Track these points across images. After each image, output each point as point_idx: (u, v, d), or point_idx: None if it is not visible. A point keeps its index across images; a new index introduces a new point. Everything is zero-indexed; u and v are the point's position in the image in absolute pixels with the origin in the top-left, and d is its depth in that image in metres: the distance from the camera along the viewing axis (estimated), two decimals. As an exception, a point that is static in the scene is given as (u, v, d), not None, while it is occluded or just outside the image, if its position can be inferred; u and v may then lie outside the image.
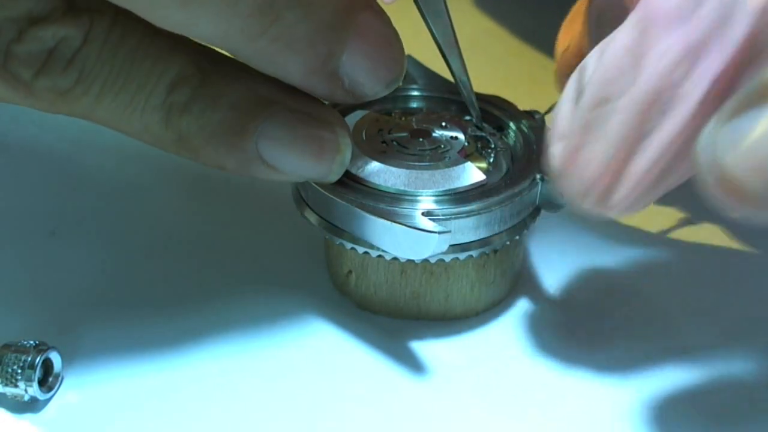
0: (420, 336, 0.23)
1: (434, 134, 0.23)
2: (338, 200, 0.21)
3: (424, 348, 0.22)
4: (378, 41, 0.20)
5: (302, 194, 0.23)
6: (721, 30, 0.17)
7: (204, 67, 0.20)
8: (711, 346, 0.22)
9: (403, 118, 0.24)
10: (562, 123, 0.18)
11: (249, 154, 0.20)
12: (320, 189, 0.22)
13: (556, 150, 0.18)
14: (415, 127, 0.24)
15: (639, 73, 0.17)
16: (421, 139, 0.23)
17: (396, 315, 0.23)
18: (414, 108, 0.25)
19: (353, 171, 0.22)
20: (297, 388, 0.21)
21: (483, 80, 0.25)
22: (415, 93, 0.25)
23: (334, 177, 0.21)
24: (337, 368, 0.22)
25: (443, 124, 0.24)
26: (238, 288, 0.24)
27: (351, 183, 0.22)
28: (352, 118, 0.24)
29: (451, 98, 0.25)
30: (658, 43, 0.17)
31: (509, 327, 0.23)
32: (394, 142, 0.23)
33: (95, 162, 0.30)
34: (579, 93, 0.18)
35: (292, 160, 0.21)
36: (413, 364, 0.22)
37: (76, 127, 0.32)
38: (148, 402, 0.21)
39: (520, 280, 0.24)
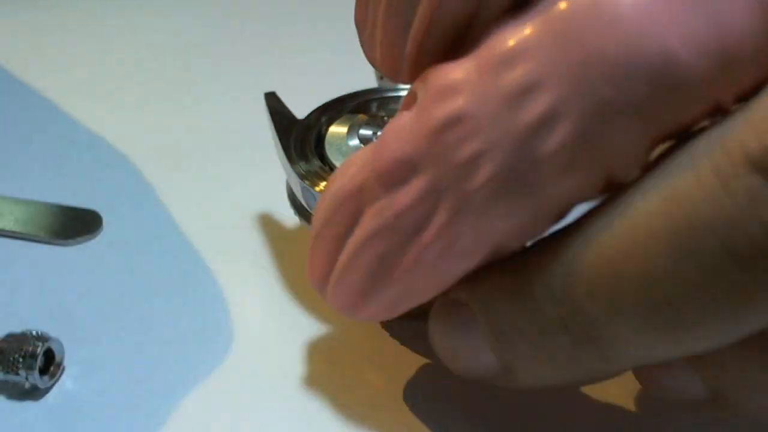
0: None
1: None
2: None
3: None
4: None
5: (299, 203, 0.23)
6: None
7: None
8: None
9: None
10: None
11: None
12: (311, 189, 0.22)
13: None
14: None
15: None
16: None
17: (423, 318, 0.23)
18: None
19: (334, 158, 0.23)
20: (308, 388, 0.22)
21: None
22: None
23: None
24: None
25: None
26: (240, 283, 0.25)
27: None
28: (349, 120, 0.24)
29: None
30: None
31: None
32: None
33: (95, 161, 0.30)
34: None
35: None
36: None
37: (77, 126, 0.32)
38: (148, 392, 0.21)
39: None
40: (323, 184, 0.22)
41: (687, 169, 0.14)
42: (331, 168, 0.23)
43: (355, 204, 0.17)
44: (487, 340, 0.17)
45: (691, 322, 0.14)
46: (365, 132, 0.24)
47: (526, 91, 0.15)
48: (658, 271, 0.14)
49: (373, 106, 0.25)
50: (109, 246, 0.26)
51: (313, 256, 0.18)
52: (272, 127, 0.24)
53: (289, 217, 0.22)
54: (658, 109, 0.14)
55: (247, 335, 0.23)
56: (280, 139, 0.24)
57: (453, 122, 0.15)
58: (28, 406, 0.21)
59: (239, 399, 0.21)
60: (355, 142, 0.23)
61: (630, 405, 0.21)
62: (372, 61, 0.18)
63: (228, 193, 0.29)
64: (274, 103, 0.25)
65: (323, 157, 0.23)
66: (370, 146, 0.17)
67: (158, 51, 0.39)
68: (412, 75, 0.17)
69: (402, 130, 0.16)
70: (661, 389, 0.18)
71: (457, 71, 0.16)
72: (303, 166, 0.23)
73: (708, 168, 0.14)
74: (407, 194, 0.16)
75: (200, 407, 0.21)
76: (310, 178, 0.22)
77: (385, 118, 0.24)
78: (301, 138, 0.24)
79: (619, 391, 0.21)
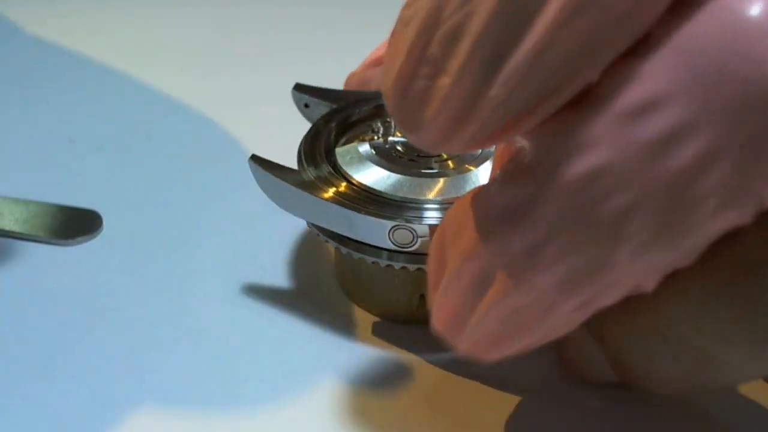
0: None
1: None
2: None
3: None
4: None
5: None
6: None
7: None
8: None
9: None
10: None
11: None
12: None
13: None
14: None
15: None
16: None
17: None
18: None
19: (358, 178, 0.22)
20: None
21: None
22: None
23: None
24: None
25: None
26: (243, 291, 0.24)
27: (373, 195, 0.22)
28: (359, 125, 0.24)
29: None
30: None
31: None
32: (398, 146, 0.23)
33: (96, 161, 0.30)
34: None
35: None
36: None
37: (77, 126, 0.32)
38: (145, 402, 0.21)
39: None
40: (332, 190, 0.22)
41: None
42: (342, 175, 0.22)
43: (486, 266, 0.16)
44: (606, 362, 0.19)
45: None
46: (376, 139, 0.24)
47: (673, 137, 0.14)
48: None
49: (381, 108, 0.25)
50: (109, 246, 0.26)
51: (442, 305, 0.17)
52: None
53: (290, 217, 0.22)
54: None
55: (248, 334, 0.23)
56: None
57: (594, 176, 0.14)
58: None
59: (242, 396, 0.21)
60: (365, 148, 0.23)
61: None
62: (414, 123, 0.15)
63: (230, 194, 0.28)
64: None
65: (334, 164, 0.23)
66: (467, 199, 0.16)
67: (162, 50, 0.39)
68: (486, 135, 0.15)
69: (521, 194, 0.15)
70: (579, 372, 0.20)
71: (587, 124, 0.14)
72: (312, 172, 0.22)
73: None
74: (551, 252, 0.15)
75: (199, 406, 0.21)
76: (320, 184, 0.22)
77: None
78: (310, 143, 0.23)
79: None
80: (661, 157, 0.14)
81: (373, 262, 0.22)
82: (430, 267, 0.18)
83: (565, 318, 0.16)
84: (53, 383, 0.21)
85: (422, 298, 0.22)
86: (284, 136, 0.26)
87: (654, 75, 0.14)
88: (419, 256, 0.21)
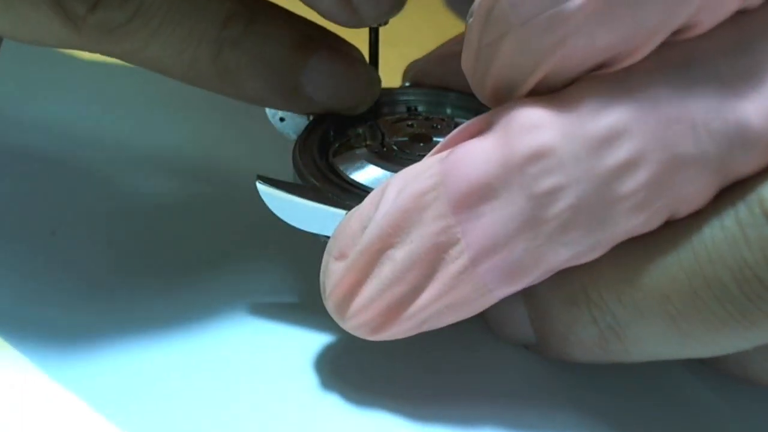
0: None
1: (434, 139, 0.23)
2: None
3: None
4: None
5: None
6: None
7: (253, 7, 0.22)
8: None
9: (404, 123, 0.24)
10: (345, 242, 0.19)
11: (292, 87, 0.23)
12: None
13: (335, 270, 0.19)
14: (415, 131, 0.24)
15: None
16: (421, 144, 0.23)
17: None
18: (413, 112, 0.25)
19: (355, 177, 0.22)
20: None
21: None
22: (413, 97, 0.25)
23: (364, 107, 0.24)
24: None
25: (439, 127, 0.24)
26: (243, 293, 0.24)
27: (354, 190, 0.22)
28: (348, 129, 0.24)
29: (449, 102, 0.25)
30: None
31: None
32: (395, 147, 0.23)
33: (96, 161, 0.30)
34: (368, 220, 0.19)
35: (330, 92, 0.23)
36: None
37: (75, 127, 0.32)
38: (143, 401, 0.21)
39: None
40: (348, 202, 0.21)
41: (716, 217, 0.17)
42: (350, 182, 0.22)
43: (411, 222, 0.18)
44: (528, 319, 0.20)
45: (700, 333, 0.17)
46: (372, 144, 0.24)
47: (612, 138, 0.17)
48: (679, 292, 0.17)
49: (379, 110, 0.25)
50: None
51: (347, 272, 0.18)
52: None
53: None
54: (727, 165, 0.17)
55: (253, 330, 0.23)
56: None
57: (538, 155, 0.17)
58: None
59: (250, 392, 0.21)
60: (362, 151, 0.23)
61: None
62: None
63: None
64: None
65: (338, 173, 0.23)
66: (431, 166, 0.18)
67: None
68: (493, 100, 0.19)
69: (480, 157, 0.17)
70: (500, 328, 0.21)
71: (544, 109, 0.17)
72: (322, 185, 0.22)
73: (732, 217, 0.17)
74: (477, 217, 0.17)
75: (198, 415, 0.21)
76: (335, 196, 0.21)
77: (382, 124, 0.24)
78: (304, 155, 0.23)
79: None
80: (598, 152, 0.17)
81: None
82: (340, 234, 0.19)
83: (482, 286, 0.18)
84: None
85: None
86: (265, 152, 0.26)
87: (610, 87, 0.17)
88: None
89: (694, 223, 0.17)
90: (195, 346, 0.22)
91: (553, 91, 0.18)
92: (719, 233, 0.17)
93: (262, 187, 0.22)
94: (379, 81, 0.24)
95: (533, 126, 0.17)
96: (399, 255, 0.18)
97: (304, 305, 0.24)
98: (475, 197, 0.17)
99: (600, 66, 0.17)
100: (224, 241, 0.26)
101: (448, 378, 0.22)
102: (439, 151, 0.19)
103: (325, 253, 0.19)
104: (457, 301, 0.18)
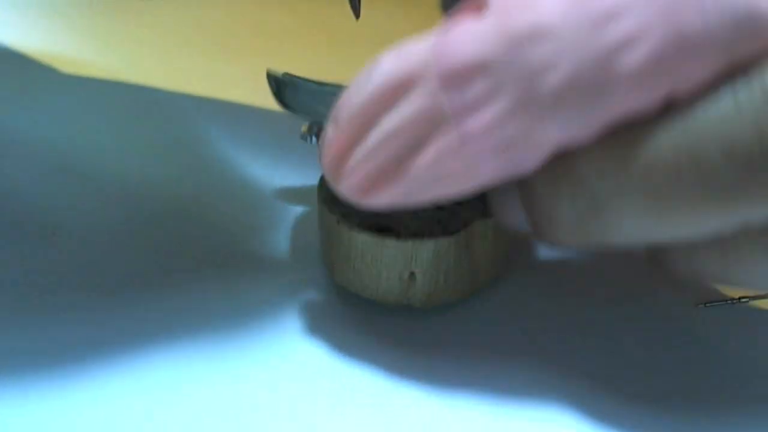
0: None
1: None
2: None
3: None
4: None
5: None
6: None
7: None
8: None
9: None
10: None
11: None
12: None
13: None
14: None
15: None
16: None
17: (464, 294, 0.23)
18: None
19: None
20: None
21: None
22: None
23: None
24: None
25: None
26: (242, 292, 0.24)
27: None
28: None
29: None
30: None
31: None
32: None
33: (97, 162, 0.30)
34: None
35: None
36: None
37: (76, 127, 0.32)
38: (142, 398, 0.21)
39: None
40: None
41: (713, 97, 0.17)
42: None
43: (402, 92, 0.18)
44: (518, 200, 0.20)
45: (679, 211, 0.17)
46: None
47: (615, 14, 0.16)
48: (663, 168, 0.17)
49: None
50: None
51: (337, 135, 0.19)
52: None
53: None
54: (731, 48, 0.16)
55: (244, 340, 0.23)
56: None
57: (535, 32, 0.17)
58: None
59: (251, 392, 0.21)
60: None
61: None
62: None
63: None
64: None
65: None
66: (425, 43, 0.18)
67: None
68: None
69: (475, 33, 0.17)
70: (501, 216, 0.21)
71: None
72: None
73: (730, 97, 0.16)
74: (471, 92, 0.17)
75: (194, 412, 0.21)
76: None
77: None
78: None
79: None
80: (597, 28, 0.16)
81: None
82: (340, 103, 0.19)
83: (469, 160, 0.18)
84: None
85: (412, 276, 0.22)
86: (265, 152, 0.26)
87: None
88: (416, 230, 0.22)
89: (687, 102, 0.17)
90: (195, 345, 0.22)
91: None
92: (714, 111, 0.17)
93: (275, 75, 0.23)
94: None
95: (529, 4, 0.17)
96: (386, 123, 0.18)
97: (305, 304, 0.24)
98: (467, 74, 0.17)
99: None
100: (225, 241, 0.26)
101: (451, 380, 0.22)
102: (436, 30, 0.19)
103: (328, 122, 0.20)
104: (445, 175, 0.18)
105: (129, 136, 0.32)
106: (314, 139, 0.24)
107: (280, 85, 0.24)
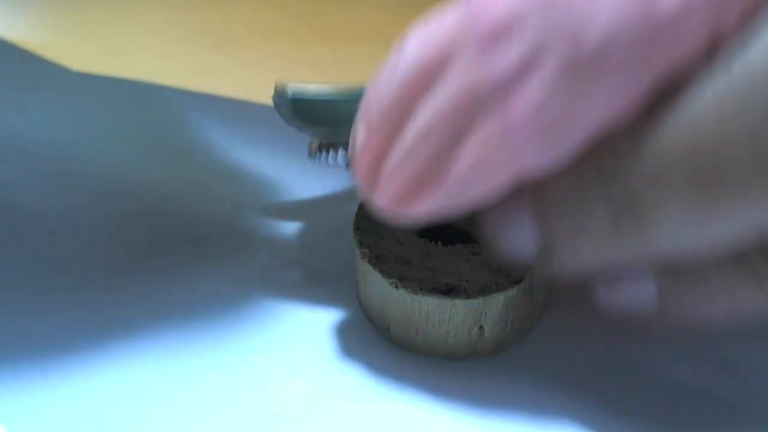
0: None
1: None
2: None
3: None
4: None
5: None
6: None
7: None
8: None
9: None
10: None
11: None
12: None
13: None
14: None
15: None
16: None
17: (528, 334, 0.22)
18: None
19: None
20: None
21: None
22: None
23: None
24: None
25: None
26: (247, 294, 0.24)
27: None
28: None
29: None
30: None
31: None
32: None
33: (97, 162, 0.30)
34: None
35: None
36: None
37: (76, 127, 0.32)
38: (144, 401, 0.21)
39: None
40: None
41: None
42: None
43: (436, 73, 0.16)
44: (531, 215, 0.17)
45: (735, 197, 0.15)
46: None
47: None
48: (709, 144, 0.14)
49: None
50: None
51: (370, 138, 0.17)
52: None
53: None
54: None
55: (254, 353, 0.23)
56: None
57: None
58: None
59: (252, 391, 0.21)
60: None
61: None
62: None
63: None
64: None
65: None
66: (453, 11, 0.16)
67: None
68: None
69: None
70: (501, 242, 0.18)
71: None
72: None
73: None
74: (511, 54, 0.15)
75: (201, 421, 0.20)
76: None
77: None
78: None
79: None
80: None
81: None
82: (366, 99, 0.17)
83: (514, 148, 0.15)
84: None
85: (481, 329, 0.21)
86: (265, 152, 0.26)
87: None
88: (483, 285, 0.21)
89: (732, 44, 0.15)
90: (196, 345, 0.22)
91: None
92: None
93: (291, 87, 0.20)
94: None
95: None
96: (422, 114, 0.16)
97: (306, 304, 0.24)
98: (506, 32, 0.15)
99: None
100: (226, 241, 0.26)
101: (456, 384, 0.21)
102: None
103: (357, 121, 0.18)
104: (484, 171, 0.16)
105: (128, 134, 0.32)
106: (327, 157, 0.22)
107: (289, 105, 0.21)
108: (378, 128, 0.17)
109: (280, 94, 0.21)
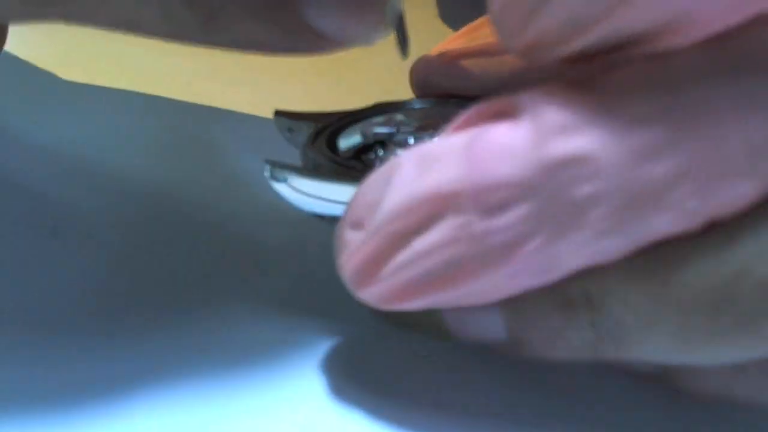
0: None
1: None
2: None
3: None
4: None
5: None
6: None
7: None
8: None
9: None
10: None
11: (292, 23, 0.19)
12: None
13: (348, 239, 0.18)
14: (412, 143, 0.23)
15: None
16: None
17: None
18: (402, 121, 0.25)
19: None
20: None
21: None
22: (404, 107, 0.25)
23: (378, 37, 0.20)
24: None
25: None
26: (248, 295, 0.24)
27: None
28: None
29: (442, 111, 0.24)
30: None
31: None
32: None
33: (97, 162, 0.30)
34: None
35: (337, 22, 0.19)
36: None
37: (76, 127, 0.32)
38: (145, 402, 0.20)
39: None
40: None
41: (751, 228, 0.16)
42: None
43: (435, 210, 0.17)
44: (502, 313, 0.18)
45: (709, 344, 0.16)
46: (380, 130, 0.23)
47: (657, 152, 0.15)
48: (696, 300, 0.16)
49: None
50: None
51: (365, 243, 0.17)
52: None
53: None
54: None
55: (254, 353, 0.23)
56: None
57: (575, 161, 0.15)
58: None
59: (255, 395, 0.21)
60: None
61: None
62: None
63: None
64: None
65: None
66: (454, 151, 0.17)
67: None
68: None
69: (510, 152, 0.16)
70: (464, 331, 0.19)
71: (586, 107, 0.16)
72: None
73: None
74: (505, 217, 0.16)
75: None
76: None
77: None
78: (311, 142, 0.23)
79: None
80: (642, 164, 0.15)
81: None
82: (355, 202, 0.18)
83: (502, 282, 0.17)
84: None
85: None
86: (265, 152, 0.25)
87: (659, 95, 0.16)
88: None
89: (724, 230, 0.16)
90: (196, 347, 0.22)
91: (589, 59, 0.16)
92: (752, 246, 0.15)
93: (274, 171, 0.20)
94: (400, 12, 0.20)
95: (568, 127, 0.15)
96: (417, 245, 0.17)
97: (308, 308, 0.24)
98: (503, 198, 0.16)
99: (653, 35, 0.16)
100: (227, 241, 0.26)
101: (458, 386, 0.21)
102: (461, 128, 0.17)
103: (341, 219, 0.18)
104: (471, 294, 0.17)
105: (132, 140, 0.32)
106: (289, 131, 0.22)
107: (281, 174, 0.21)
108: (372, 239, 0.17)
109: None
